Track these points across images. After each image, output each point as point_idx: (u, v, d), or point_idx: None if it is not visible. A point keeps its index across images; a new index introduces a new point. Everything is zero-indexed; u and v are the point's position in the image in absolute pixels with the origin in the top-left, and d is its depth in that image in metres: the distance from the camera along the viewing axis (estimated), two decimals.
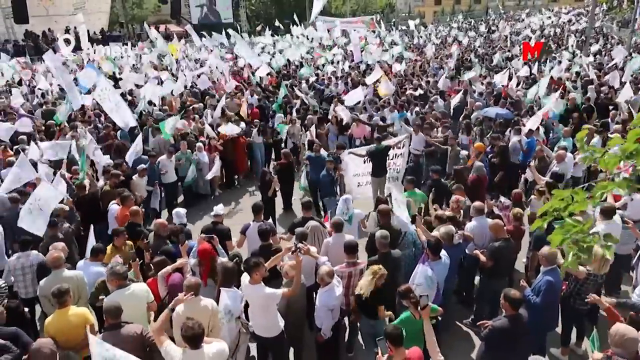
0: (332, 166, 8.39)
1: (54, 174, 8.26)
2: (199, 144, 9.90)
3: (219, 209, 6.50)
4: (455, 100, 12.78)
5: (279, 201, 9.30)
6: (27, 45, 29.37)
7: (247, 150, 11.08)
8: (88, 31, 25.58)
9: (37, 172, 7.78)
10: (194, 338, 3.65)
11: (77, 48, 26.44)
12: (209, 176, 9.83)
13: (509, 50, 23.35)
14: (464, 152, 9.10)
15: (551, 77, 15.15)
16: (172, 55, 21.54)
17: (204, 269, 5.35)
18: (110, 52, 25.00)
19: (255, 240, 5.85)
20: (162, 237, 6.07)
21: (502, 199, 7.03)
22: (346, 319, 5.62)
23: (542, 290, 4.80)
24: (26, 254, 5.74)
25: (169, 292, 4.96)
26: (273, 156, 11.56)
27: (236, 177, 11.29)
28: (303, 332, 5.33)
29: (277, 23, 30.34)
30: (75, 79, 14.60)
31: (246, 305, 5.05)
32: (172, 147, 9.75)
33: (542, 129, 10.14)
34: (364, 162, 8.73)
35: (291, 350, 5.32)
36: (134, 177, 8.22)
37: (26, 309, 5.22)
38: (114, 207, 7.02)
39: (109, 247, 5.83)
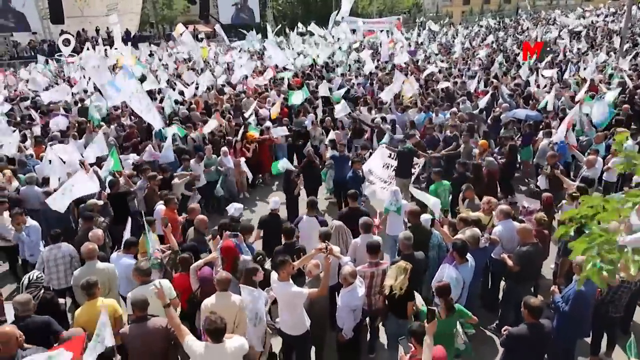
0: (360, 167, 8.43)
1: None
2: (224, 149, 9.82)
3: (276, 202, 6.73)
4: (483, 101, 12.56)
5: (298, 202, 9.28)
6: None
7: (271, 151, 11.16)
8: (127, 30, 26.23)
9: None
10: (216, 332, 3.71)
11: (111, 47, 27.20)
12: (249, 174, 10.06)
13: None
14: (476, 150, 9.15)
15: (583, 79, 14.75)
16: (202, 57, 21.87)
17: (226, 266, 5.42)
18: (140, 54, 25.55)
19: (307, 233, 6.05)
20: (201, 233, 6.19)
21: (525, 203, 6.86)
22: (368, 319, 5.60)
23: (571, 299, 4.67)
24: (57, 246, 5.93)
25: (200, 285, 5.07)
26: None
27: (260, 176, 11.32)
28: (325, 332, 5.33)
29: (300, 25, 30.34)
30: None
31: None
32: (201, 152, 9.74)
33: (573, 133, 9.87)
34: (384, 166, 8.71)
35: (312, 349, 5.32)
36: (174, 181, 8.31)
37: (61, 300, 5.40)
38: (160, 207, 7.17)
39: (142, 238, 6.04)
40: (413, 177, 8.87)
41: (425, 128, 10.74)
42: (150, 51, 26.94)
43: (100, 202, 7.13)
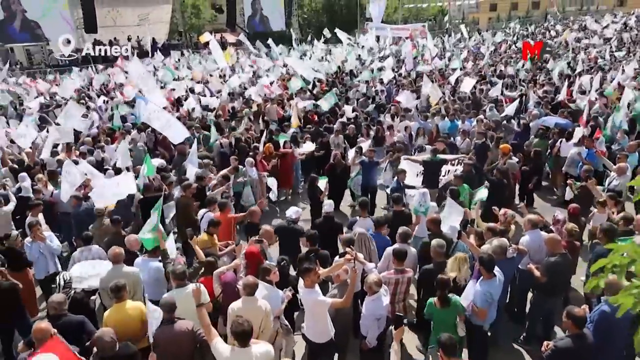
0: (404, 178, 8.22)
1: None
2: (250, 159, 9.50)
3: (329, 205, 6.78)
4: (510, 108, 12.36)
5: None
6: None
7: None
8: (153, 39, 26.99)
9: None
10: (242, 335, 3.73)
11: (143, 56, 28.05)
12: (273, 196, 9.60)
13: (573, 59, 22.20)
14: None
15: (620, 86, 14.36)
16: (226, 62, 22.26)
17: (249, 271, 5.46)
18: (170, 61, 26.20)
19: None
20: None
21: (558, 213, 6.68)
22: (392, 328, 5.53)
23: (595, 320, 4.46)
24: (88, 248, 6.11)
25: (223, 290, 5.14)
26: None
27: (284, 191, 10.85)
28: (348, 339, 5.30)
29: (326, 32, 30.51)
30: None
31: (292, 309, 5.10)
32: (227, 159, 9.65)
33: (602, 139, 9.63)
34: (417, 174, 8.66)
35: (335, 356, 5.30)
36: (209, 193, 8.12)
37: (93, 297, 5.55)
38: (208, 214, 7.01)
39: (204, 235, 6.29)
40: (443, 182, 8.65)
41: (433, 135, 10.68)
42: (179, 58, 27.61)
43: (111, 207, 7.23)
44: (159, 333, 4.27)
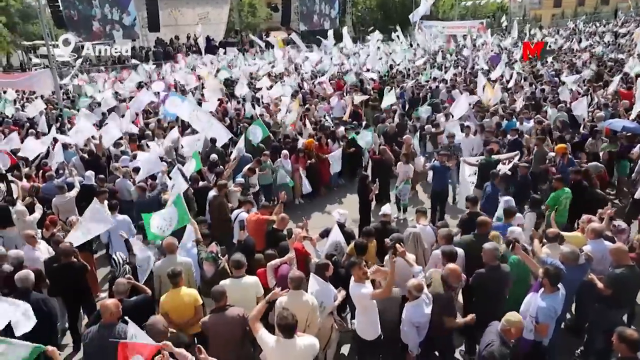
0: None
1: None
2: (285, 152, 9.84)
3: (387, 209, 6.61)
4: (577, 108, 11.70)
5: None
6: (157, 51, 32.98)
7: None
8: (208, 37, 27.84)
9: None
10: (287, 327, 3.83)
11: (197, 53, 29.05)
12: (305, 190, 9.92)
13: None
14: (552, 154, 8.89)
15: None
16: (279, 48, 22.68)
17: (298, 267, 5.50)
18: (223, 60, 26.94)
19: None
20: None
21: (617, 222, 6.22)
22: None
23: None
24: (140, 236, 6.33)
25: (277, 283, 5.21)
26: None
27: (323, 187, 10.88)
28: (396, 345, 5.01)
29: (376, 34, 30.17)
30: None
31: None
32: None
33: None
34: (469, 175, 8.44)
35: None
36: (230, 187, 8.29)
37: None
38: (242, 214, 7.05)
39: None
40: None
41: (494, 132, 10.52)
42: (234, 56, 28.34)
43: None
44: (211, 320, 4.44)
